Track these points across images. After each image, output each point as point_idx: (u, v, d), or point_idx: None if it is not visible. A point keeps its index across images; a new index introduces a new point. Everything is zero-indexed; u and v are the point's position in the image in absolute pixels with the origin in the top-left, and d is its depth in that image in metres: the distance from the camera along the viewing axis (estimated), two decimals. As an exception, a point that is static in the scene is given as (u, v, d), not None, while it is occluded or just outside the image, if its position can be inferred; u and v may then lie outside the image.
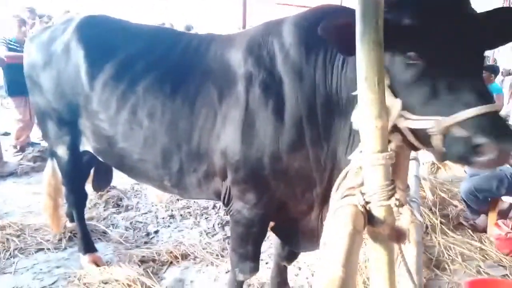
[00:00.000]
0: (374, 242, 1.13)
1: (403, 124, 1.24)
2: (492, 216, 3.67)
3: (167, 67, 2.17)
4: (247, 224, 2.03)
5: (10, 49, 5.43)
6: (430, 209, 3.89)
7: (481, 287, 2.48)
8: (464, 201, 3.82)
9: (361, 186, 1.13)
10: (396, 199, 1.06)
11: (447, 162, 4.30)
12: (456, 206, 4.15)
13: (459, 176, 5.01)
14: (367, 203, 1.08)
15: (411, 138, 1.26)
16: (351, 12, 1.35)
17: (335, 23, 1.27)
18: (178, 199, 4.26)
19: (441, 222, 3.73)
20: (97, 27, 2.49)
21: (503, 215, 3.86)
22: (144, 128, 2.15)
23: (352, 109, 1.52)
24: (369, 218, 1.09)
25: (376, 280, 1.16)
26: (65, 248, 3.29)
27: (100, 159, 2.64)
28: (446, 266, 3.22)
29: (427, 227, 3.66)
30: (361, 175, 1.13)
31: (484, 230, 3.75)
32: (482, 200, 3.65)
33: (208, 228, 3.74)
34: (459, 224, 3.87)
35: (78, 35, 2.40)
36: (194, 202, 4.23)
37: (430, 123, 1.18)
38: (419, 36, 1.21)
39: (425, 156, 5.46)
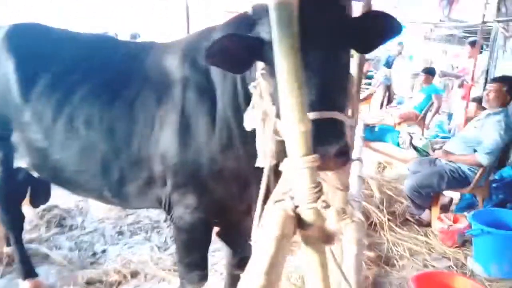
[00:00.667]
0: (307, 245, 1.13)
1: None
2: (435, 210, 3.85)
3: (105, 75, 2.15)
4: (190, 230, 2.02)
5: None
6: (378, 207, 4.01)
7: (426, 280, 2.57)
8: (409, 197, 3.97)
9: (291, 190, 1.13)
10: (323, 201, 1.06)
11: (392, 161, 4.43)
12: (402, 203, 4.31)
13: (404, 174, 5.22)
14: (296, 207, 1.08)
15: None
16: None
17: (217, 47, 1.36)
18: (127, 214, 4.10)
19: (388, 219, 3.85)
20: (28, 35, 2.38)
21: (445, 209, 4.06)
22: (81, 137, 2.10)
23: None
24: (300, 222, 1.09)
25: (311, 283, 1.15)
26: (2, 275, 3.06)
27: (35, 174, 2.52)
28: (395, 261, 3.32)
29: (375, 225, 3.77)
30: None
31: (429, 224, 3.92)
32: (425, 196, 3.81)
33: (160, 243, 3.63)
34: (406, 220, 4.02)
35: (7, 44, 2.28)
36: (145, 216, 4.10)
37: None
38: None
39: (372, 156, 5.67)
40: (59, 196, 3.90)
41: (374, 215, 3.87)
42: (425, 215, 3.98)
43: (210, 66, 1.73)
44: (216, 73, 1.82)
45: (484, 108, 4.07)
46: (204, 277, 2.15)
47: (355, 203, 2.14)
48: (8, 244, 3.14)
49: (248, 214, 2.00)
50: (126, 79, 2.07)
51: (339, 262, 1.41)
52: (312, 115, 1.14)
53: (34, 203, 3.21)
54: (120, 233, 3.79)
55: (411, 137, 5.75)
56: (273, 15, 1.01)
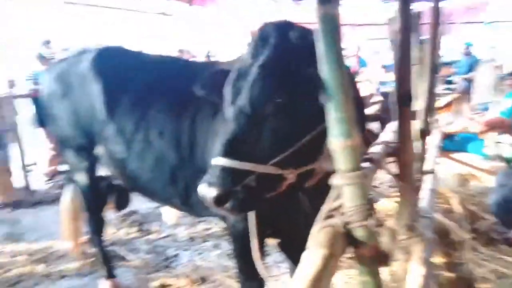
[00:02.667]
0: (359, 264, 1.08)
1: None
2: (527, 229, 3.43)
3: (174, 93, 2.35)
4: (242, 238, 2.03)
5: (37, 84, 5.72)
6: (458, 224, 3.69)
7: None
8: (495, 213, 3.60)
9: (341, 206, 1.09)
10: (375, 219, 1.01)
11: (477, 173, 4.05)
12: (487, 220, 3.92)
13: (490, 187, 4.75)
14: (346, 224, 1.04)
15: None
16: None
17: (207, 81, 1.62)
18: (199, 221, 4.27)
19: (471, 238, 3.52)
20: (112, 58, 2.67)
21: (539, 227, 3.59)
22: (154, 148, 2.31)
23: None
24: (351, 240, 1.05)
25: (365, 305, 1.10)
26: (86, 275, 3.35)
27: (116, 182, 2.76)
28: (477, 285, 3.02)
29: (455, 243, 3.46)
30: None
31: (520, 244, 3.50)
32: (513, 212, 3.41)
33: (228, 250, 3.70)
34: (491, 239, 3.64)
35: (94, 67, 2.56)
36: (215, 224, 4.23)
37: None
38: None
39: (453, 167, 5.24)
40: (139, 202, 4.19)
41: (454, 232, 3.56)
42: (514, 233, 3.57)
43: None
44: None
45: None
46: (262, 286, 2.15)
47: (425, 219, 2.00)
48: (92, 247, 3.45)
49: (303, 227, 1.97)
50: (191, 95, 2.20)
51: (401, 284, 1.33)
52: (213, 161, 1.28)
53: (117, 208, 3.47)
54: (192, 239, 3.95)
55: (498, 146, 5.22)
56: (319, 30, 1.00)
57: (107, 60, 2.64)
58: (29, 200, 5.10)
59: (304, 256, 0.96)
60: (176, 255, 3.66)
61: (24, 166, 5.48)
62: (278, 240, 2.20)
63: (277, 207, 1.90)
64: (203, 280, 3.22)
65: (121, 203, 3.47)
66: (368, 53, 10.61)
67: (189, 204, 2.32)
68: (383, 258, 1.05)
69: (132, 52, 2.82)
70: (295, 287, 0.81)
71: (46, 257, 3.63)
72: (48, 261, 3.57)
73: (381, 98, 6.32)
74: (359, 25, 8.19)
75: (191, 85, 2.29)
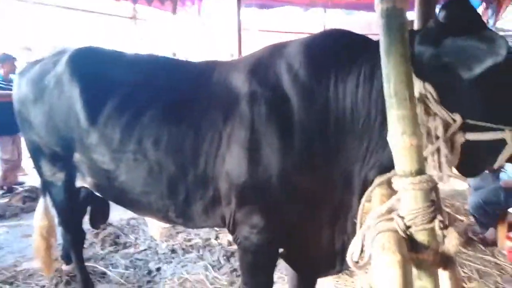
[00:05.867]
0: (419, 269, 1.03)
1: (461, 139, 1.30)
2: (502, 228, 3.59)
3: (171, 94, 2.12)
4: (256, 251, 1.93)
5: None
6: (438, 226, 3.80)
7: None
8: (473, 215, 3.74)
9: (395, 209, 1.04)
10: (440, 221, 0.97)
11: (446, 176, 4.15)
12: (462, 221, 4.08)
13: (460, 190, 4.97)
14: (407, 227, 1.00)
15: (456, 153, 1.33)
16: (361, 36, 1.41)
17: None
18: (178, 232, 4.10)
19: (450, 239, 3.63)
20: (91, 58, 2.40)
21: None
22: (149, 158, 2.05)
23: (370, 128, 1.54)
24: (411, 244, 1.01)
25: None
26: (62, 294, 3.09)
27: (98, 194, 2.51)
28: (464, 284, 3.10)
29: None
30: (395, 197, 1.05)
31: (494, 243, 3.67)
32: (491, 213, 3.58)
33: (213, 261, 3.57)
34: (469, 239, 3.78)
35: (71, 68, 2.30)
36: (195, 234, 4.08)
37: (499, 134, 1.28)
38: None
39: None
40: (112, 214, 3.96)
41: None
42: (489, 233, 3.74)
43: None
44: (296, 90, 1.73)
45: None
46: None
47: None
48: (67, 263, 3.20)
49: (318, 234, 1.91)
50: (193, 97, 2.04)
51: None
52: None
53: (93, 224, 3.22)
54: (173, 251, 3.77)
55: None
56: (380, 22, 0.96)
57: (85, 60, 2.36)
58: (-12, 215, 4.69)
59: (379, 264, 0.89)
60: (158, 269, 3.47)
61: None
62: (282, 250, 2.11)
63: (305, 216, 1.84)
64: (192, 293, 3.08)
65: (99, 218, 3.23)
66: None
67: (187, 215, 2.12)
68: (447, 261, 1.01)
69: (113, 51, 2.51)
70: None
71: (13, 277, 3.31)
72: (16, 282, 3.25)
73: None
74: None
75: (190, 86, 2.13)
